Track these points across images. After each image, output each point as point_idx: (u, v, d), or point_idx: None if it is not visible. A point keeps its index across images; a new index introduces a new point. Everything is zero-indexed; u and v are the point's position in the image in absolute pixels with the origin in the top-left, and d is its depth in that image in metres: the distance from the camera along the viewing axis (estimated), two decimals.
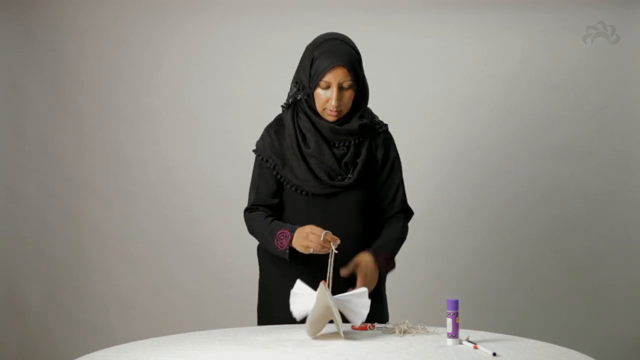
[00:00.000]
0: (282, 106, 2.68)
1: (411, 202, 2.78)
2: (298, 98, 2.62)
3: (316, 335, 2.24)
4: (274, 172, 2.64)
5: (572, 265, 4.03)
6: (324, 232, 2.41)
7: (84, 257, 4.16)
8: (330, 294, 2.23)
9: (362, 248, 2.58)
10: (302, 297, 2.28)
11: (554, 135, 4.03)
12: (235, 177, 4.06)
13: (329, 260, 2.39)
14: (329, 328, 2.32)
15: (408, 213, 2.74)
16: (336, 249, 2.40)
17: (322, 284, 2.20)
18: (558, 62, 4.02)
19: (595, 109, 4.02)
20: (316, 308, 2.19)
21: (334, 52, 2.54)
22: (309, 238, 2.44)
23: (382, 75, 3.92)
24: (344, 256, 2.48)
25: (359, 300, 2.26)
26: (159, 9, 4.13)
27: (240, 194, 3.98)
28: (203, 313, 4.10)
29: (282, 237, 2.53)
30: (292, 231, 2.51)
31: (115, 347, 2.21)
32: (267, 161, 2.65)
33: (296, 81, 2.64)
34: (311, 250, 2.44)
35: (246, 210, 2.71)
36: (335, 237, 2.42)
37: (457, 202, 4.05)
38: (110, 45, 4.15)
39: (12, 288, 4.18)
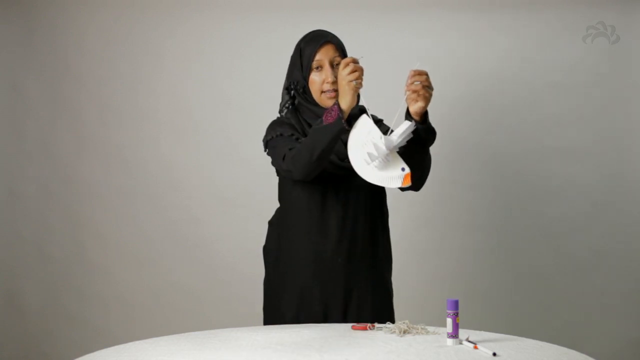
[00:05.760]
0: (279, 115, 2.72)
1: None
2: (296, 103, 2.66)
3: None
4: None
5: (572, 265, 4.03)
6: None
7: (84, 257, 4.16)
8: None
9: (374, 226, 2.69)
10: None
11: (553, 136, 4.02)
12: (235, 177, 4.06)
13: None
14: (330, 329, 2.31)
15: None
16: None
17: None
18: (558, 62, 4.02)
19: (595, 109, 4.02)
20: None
21: (319, 35, 2.69)
22: (343, 78, 2.47)
23: (381, 75, 3.92)
24: (358, 233, 2.60)
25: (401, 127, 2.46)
26: (159, 9, 4.13)
27: (240, 194, 4.01)
28: (203, 313, 4.10)
29: (329, 113, 2.48)
30: (335, 103, 2.49)
31: (115, 347, 2.21)
32: (292, 134, 2.64)
33: (287, 87, 2.69)
34: (354, 83, 2.47)
35: (284, 156, 2.58)
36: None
37: (456, 201, 4.05)
38: (110, 45, 4.15)
39: (12, 288, 4.18)
